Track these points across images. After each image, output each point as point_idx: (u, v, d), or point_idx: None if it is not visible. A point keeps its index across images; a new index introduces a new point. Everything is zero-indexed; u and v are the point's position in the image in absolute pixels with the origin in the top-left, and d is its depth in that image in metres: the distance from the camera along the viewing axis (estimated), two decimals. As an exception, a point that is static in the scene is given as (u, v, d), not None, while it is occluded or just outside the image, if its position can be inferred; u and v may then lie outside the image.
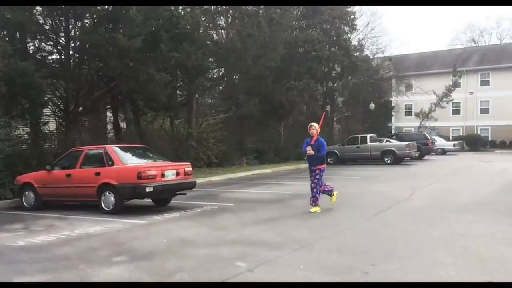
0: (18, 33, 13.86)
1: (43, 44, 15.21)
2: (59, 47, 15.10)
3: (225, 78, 24.55)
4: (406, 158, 23.97)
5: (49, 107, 15.48)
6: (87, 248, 6.17)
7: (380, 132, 32.96)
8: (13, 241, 6.61)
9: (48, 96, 14.56)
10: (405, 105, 45.15)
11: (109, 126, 20.65)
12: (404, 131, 39.55)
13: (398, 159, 23.21)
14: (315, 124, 8.96)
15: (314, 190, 8.73)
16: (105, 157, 9.47)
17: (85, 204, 10.06)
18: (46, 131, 15.81)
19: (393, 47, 79.28)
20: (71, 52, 14.94)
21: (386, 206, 9.10)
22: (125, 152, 9.94)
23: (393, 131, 41.46)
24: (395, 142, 24.54)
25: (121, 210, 9.10)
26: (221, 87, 25.32)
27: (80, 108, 15.79)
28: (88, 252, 5.92)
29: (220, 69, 23.66)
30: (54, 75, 14.47)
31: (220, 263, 5.13)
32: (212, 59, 18.97)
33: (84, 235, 7.06)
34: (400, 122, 45.53)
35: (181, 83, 18.83)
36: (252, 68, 19.69)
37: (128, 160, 9.54)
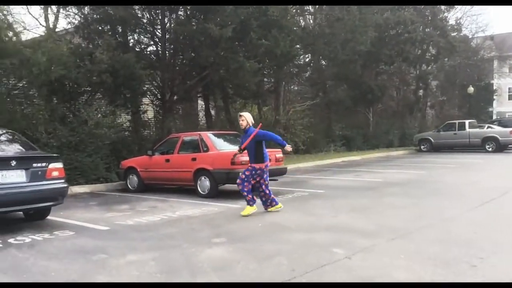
0: (120, 28, 14.87)
1: (141, 37, 16.20)
2: (155, 39, 15.99)
3: (312, 64, 24.29)
4: (509, 146, 22.09)
5: (148, 96, 16.48)
6: (188, 229, 6.53)
7: (480, 118, 30.67)
8: (123, 220, 7.19)
9: (146, 86, 15.51)
10: (509, 88, 41.46)
11: (200, 114, 21.51)
12: (507, 116, 36.39)
13: (501, 147, 21.46)
14: (244, 114, 7.46)
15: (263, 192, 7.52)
16: (201, 143, 9.90)
17: (181, 187, 10.64)
18: (145, 119, 16.89)
19: (495, 25, 72.90)
20: (166, 44, 15.75)
21: (490, 197, 8.47)
22: (218, 138, 10.32)
23: (494, 117, 38.31)
24: (497, 128, 22.69)
25: (216, 194, 9.48)
26: (308, 73, 25.12)
27: (175, 97, 16.63)
28: (190, 233, 6.27)
29: (307, 55, 23.47)
30: (152, 66, 15.33)
31: (316, 249, 5.15)
32: (299, 46, 18.86)
33: (184, 216, 7.47)
34: (503, 106, 41.94)
35: (269, 70, 18.98)
36: (341, 53, 19.23)
37: (221, 146, 9.88)
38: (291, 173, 13.46)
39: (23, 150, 7.04)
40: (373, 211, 7.61)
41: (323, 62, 24.35)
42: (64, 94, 12.81)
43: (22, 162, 6.28)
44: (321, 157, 19.43)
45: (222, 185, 9.80)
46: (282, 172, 10.11)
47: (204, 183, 9.55)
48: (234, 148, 10.01)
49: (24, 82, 11.96)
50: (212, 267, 4.56)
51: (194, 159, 9.81)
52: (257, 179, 7.44)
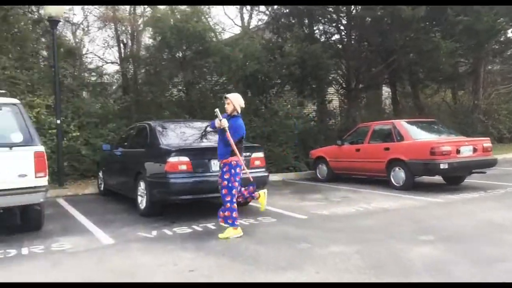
0: (306, 20, 15.12)
1: (326, 26, 16.20)
2: (340, 28, 15.81)
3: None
4: None
5: (333, 85, 16.46)
6: (388, 223, 6.17)
7: None
8: (318, 210, 7.22)
9: (332, 75, 15.49)
10: None
11: (387, 102, 20.61)
12: None
13: None
14: (230, 96, 5.78)
15: (227, 199, 5.57)
16: (394, 132, 9.36)
17: (371, 178, 10.26)
18: (330, 108, 16.93)
19: None
20: (351, 31, 15.42)
21: None
22: (414, 126, 9.60)
23: None
24: None
25: (411, 186, 8.86)
26: (513, 50, 21.72)
27: (360, 85, 16.22)
28: (390, 227, 5.90)
29: (512, 29, 20.28)
30: (337, 55, 15.22)
31: (555, 258, 4.27)
32: (504, 19, 16.39)
33: (380, 209, 7.13)
34: None
35: (466, 49, 17.00)
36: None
37: (418, 135, 9.17)
38: (498, 164, 11.82)
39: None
40: None
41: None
42: (257, 87, 13.63)
43: (229, 151, 6.78)
44: (533, 146, 16.66)
45: (418, 176, 9.11)
46: (491, 163, 8.90)
47: (399, 174, 9.00)
48: (433, 137, 9.23)
49: (224, 78, 13.12)
50: (425, 268, 4.15)
51: (387, 148, 9.33)
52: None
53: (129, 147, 8.21)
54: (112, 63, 14.85)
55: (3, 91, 6.17)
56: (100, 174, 9.71)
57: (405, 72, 16.92)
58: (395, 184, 9.05)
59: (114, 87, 14.95)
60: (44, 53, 13.30)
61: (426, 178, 9.91)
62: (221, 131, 5.70)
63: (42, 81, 11.32)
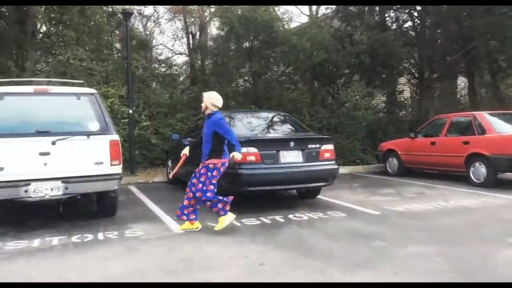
0: (377, 7, 14.47)
1: (399, 13, 15.39)
2: (413, 13, 14.95)
3: None
4: None
5: (404, 75, 15.68)
6: (470, 223, 5.73)
7: None
8: (391, 205, 6.86)
9: (404, 64, 14.74)
10: None
11: (462, 92, 19.35)
12: None
13: None
14: (204, 95, 5.61)
15: (203, 199, 5.37)
16: (475, 124, 8.71)
17: (446, 173, 9.65)
18: (401, 99, 16.16)
19: None
20: (426, 18, 14.55)
21: None
22: (497, 119, 8.88)
23: None
24: None
25: (493, 183, 8.21)
26: None
27: (434, 75, 15.31)
28: (473, 227, 5.47)
29: None
30: (409, 43, 14.44)
31: None
32: None
33: (460, 207, 6.64)
34: None
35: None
36: None
37: (502, 128, 8.48)
38: None
39: (298, 131, 7.46)
40: None
41: None
42: (324, 77, 13.28)
43: (299, 143, 6.62)
44: None
45: (501, 173, 8.42)
46: None
47: (479, 170, 8.38)
48: (518, 131, 8.48)
49: (291, 68, 12.90)
50: (518, 275, 3.76)
51: (466, 142, 8.70)
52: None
53: (197, 137, 8.26)
54: (181, 54, 15.17)
55: (81, 81, 6.40)
56: (169, 162, 9.91)
57: (485, 60, 15.73)
58: (475, 180, 8.43)
59: (182, 78, 15.24)
60: (118, 45, 13.82)
61: (509, 175, 9.15)
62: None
63: (116, 72, 11.74)
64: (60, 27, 11.72)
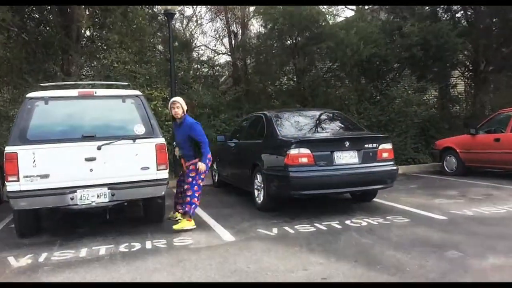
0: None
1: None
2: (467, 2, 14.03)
3: None
4: None
5: (458, 68, 14.76)
6: (555, 230, 5.08)
7: None
8: (458, 209, 6.26)
9: (458, 56, 13.85)
10: None
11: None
12: None
13: None
14: (179, 100, 5.89)
15: (188, 194, 5.79)
16: (546, 119, 7.91)
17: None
18: (455, 94, 15.23)
19: None
20: (481, 6, 13.60)
21: None
22: None
23: None
24: None
25: None
26: None
27: (490, 67, 14.33)
28: (561, 235, 4.83)
29: None
30: (464, 33, 13.55)
31: None
32: None
33: (538, 211, 5.97)
34: None
35: None
36: None
37: None
38: None
39: (351, 130, 6.98)
40: None
41: None
42: (372, 73, 12.65)
43: (354, 143, 6.15)
44: None
45: None
46: None
47: (553, 169, 7.59)
48: None
49: (337, 64, 12.37)
50: None
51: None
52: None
53: (244, 138, 7.95)
54: (223, 54, 14.92)
55: (125, 83, 6.21)
56: (214, 165, 9.64)
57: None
58: (549, 180, 7.66)
59: (224, 78, 14.98)
60: (160, 47, 13.73)
61: None
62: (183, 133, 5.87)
63: (159, 74, 11.62)
64: (104, 32, 11.73)
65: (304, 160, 5.93)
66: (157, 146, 5.45)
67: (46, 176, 5.03)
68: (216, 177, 9.54)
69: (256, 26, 14.82)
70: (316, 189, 6.00)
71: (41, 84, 5.61)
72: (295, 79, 13.23)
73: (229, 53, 14.52)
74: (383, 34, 11.96)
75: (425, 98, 13.86)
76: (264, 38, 12.87)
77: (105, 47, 11.83)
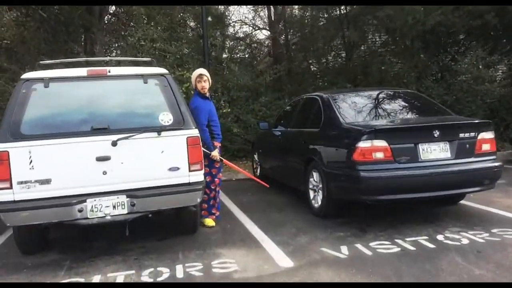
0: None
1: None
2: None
3: None
4: None
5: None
6: None
7: None
8: None
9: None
10: None
11: None
12: None
13: None
14: (206, 72, 5.16)
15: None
16: None
17: None
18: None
19: None
20: None
21: None
22: None
23: None
24: None
25: None
26: None
27: None
28: None
29: None
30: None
31: None
32: None
33: None
34: None
35: None
36: None
37: None
38: None
39: (437, 115, 5.46)
40: None
41: None
42: (435, 46, 10.93)
43: (446, 131, 4.66)
44: None
45: None
46: None
47: None
48: None
49: (396, 36, 10.70)
50: None
51: None
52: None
53: (293, 126, 6.57)
54: (262, 29, 13.43)
55: (148, 59, 4.91)
56: (256, 156, 8.35)
57: None
58: None
59: (262, 55, 13.54)
60: (192, 23, 12.42)
61: None
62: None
63: (191, 53, 10.36)
64: (129, 6, 10.46)
65: (380, 155, 4.52)
66: (189, 140, 4.17)
67: (46, 181, 3.84)
68: (258, 170, 8.25)
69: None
70: (396, 193, 4.56)
71: (41, 62, 4.37)
72: (344, 56, 11.66)
73: (268, 28, 13.04)
74: (449, -1, 10.18)
75: (498, 74, 12.04)
76: (309, 8, 11.31)
77: (131, 24, 10.61)
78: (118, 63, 5.89)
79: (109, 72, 4.28)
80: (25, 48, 9.18)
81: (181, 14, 11.35)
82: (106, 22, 10.46)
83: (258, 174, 8.22)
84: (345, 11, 10.74)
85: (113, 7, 10.76)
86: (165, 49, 9.93)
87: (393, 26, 9.82)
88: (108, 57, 7.03)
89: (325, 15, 11.16)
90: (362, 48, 11.25)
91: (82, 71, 4.25)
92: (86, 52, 9.65)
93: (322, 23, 11.21)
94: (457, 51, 11.33)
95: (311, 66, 11.95)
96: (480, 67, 10.42)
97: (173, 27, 10.61)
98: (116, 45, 11.00)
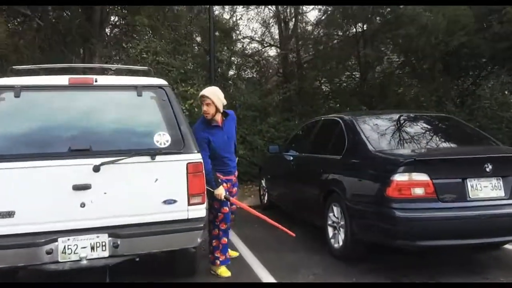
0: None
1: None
2: None
3: None
4: None
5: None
6: None
7: None
8: None
9: None
10: None
11: None
12: None
13: None
14: (209, 93, 4.06)
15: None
16: None
17: None
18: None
19: None
20: None
21: None
22: None
23: None
24: None
25: None
26: None
27: None
28: None
29: None
30: None
31: None
32: None
33: None
34: None
35: None
36: None
37: None
38: None
39: (484, 145, 4.67)
40: None
41: None
42: (458, 69, 10.22)
43: (499, 165, 3.87)
44: None
45: None
46: None
47: None
48: None
49: (416, 57, 10.01)
50: None
51: None
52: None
53: (308, 151, 5.80)
54: (271, 45, 12.76)
55: (146, 68, 4.18)
56: (263, 182, 7.56)
57: None
58: None
59: (271, 73, 12.87)
60: (198, 38, 11.79)
61: None
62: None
63: (196, 68, 9.68)
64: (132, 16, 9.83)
65: (420, 191, 3.73)
66: (189, 167, 3.40)
67: (8, 214, 3.06)
68: (266, 198, 7.45)
69: (313, 12, 12.54)
70: (439, 238, 3.75)
71: (13, 67, 3.64)
72: (358, 76, 10.98)
73: (278, 45, 12.38)
74: (473, 19, 9.51)
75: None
76: (322, 25, 10.68)
77: (134, 35, 9.97)
78: (105, 71, 5.14)
79: (96, 81, 3.53)
80: (18, 57, 8.51)
81: (188, 26, 10.71)
82: (107, 34, 9.80)
83: (265, 202, 7.44)
84: (361, 28, 10.08)
85: (115, 17, 10.14)
86: (169, 63, 9.25)
87: (415, 46, 9.10)
88: (98, 64, 6.30)
89: (340, 33, 10.50)
90: (378, 68, 10.55)
91: (63, 79, 3.50)
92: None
93: (336, 40, 10.57)
94: (478, 75, 10.61)
95: (323, 86, 11.26)
96: (506, 92, 9.68)
97: (178, 39, 9.96)
98: (117, 58, 10.33)
